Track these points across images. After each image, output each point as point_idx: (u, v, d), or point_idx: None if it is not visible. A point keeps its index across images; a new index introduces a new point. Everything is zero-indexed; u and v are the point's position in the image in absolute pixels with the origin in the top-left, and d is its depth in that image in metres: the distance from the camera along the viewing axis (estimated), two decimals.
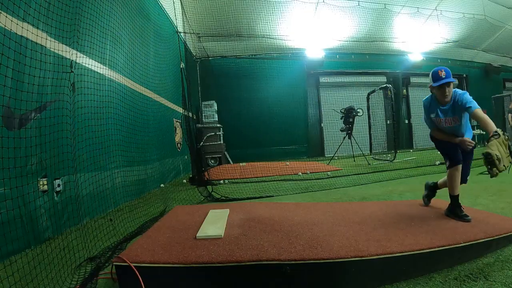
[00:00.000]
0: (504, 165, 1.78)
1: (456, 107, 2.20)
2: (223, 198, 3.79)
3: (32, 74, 2.07)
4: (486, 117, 2.05)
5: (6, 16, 1.92)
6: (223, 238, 1.76)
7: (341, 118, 7.90)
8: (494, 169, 1.76)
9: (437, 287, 1.41)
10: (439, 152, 2.69)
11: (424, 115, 2.49)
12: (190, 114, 6.17)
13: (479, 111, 2.10)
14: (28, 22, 2.12)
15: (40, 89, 2.25)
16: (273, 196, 3.87)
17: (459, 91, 2.22)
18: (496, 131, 1.88)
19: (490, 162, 1.77)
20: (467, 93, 2.20)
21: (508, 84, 13.96)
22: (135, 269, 1.39)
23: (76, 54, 2.75)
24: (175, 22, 6.66)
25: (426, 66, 11.72)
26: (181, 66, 5.69)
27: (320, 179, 5.12)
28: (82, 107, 2.71)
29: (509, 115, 11.10)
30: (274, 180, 5.06)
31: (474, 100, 2.17)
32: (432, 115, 2.39)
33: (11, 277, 1.47)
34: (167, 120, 5.88)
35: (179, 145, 6.62)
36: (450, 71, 2.22)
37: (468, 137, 2.31)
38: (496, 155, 1.76)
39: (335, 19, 9.13)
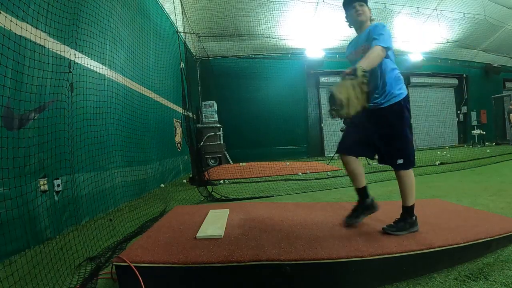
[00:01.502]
0: (348, 111, 1.56)
1: (368, 36, 1.87)
2: (223, 198, 3.79)
3: (32, 74, 2.07)
4: (373, 55, 1.71)
5: (5, 16, 1.92)
6: (223, 238, 1.75)
7: (341, 118, 7.89)
8: (334, 112, 1.57)
9: (437, 287, 1.41)
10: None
11: None
12: (190, 114, 6.16)
13: (377, 48, 1.72)
14: (27, 22, 2.12)
15: (39, 89, 2.25)
16: (273, 196, 3.87)
17: (382, 24, 1.87)
18: (355, 70, 1.59)
19: (332, 103, 1.54)
20: (386, 27, 1.82)
21: (508, 84, 13.97)
22: (135, 269, 1.39)
23: (75, 54, 2.75)
24: (175, 22, 6.65)
25: (426, 66, 11.72)
26: (181, 66, 5.69)
27: (320, 179, 5.12)
28: (82, 107, 2.71)
29: (510, 115, 11.11)
30: (274, 180, 5.06)
31: (388, 36, 1.78)
32: (348, 52, 2.09)
33: (10, 277, 1.47)
34: (167, 120, 5.88)
35: (179, 145, 6.62)
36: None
37: (391, 90, 1.83)
38: (341, 100, 1.51)
39: (335, 19, 9.12)
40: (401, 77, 1.93)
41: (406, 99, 1.87)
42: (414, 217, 1.87)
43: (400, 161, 1.83)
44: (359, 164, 2.01)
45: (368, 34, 1.86)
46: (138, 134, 4.09)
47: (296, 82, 10.50)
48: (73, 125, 2.59)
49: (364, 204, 2.03)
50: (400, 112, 1.83)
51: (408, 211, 1.86)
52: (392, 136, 1.85)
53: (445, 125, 12.91)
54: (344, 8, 2.02)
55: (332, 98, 1.53)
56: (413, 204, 1.88)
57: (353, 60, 2.00)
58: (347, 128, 2.05)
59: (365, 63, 1.67)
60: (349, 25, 2.04)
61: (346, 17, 2.02)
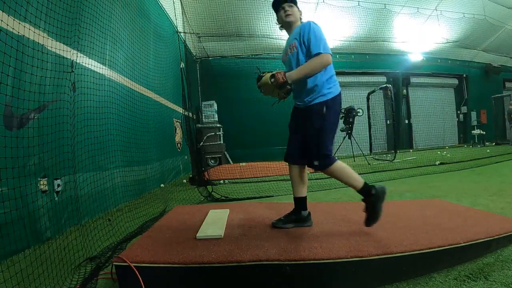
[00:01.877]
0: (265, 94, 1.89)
1: (297, 35, 1.85)
2: (223, 198, 3.79)
3: (34, 74, 2.07)
4: (310, 65, 1.74)
5: (8, 16, 1.92)
6: (223, 238, 1.76)
7: (341, 118, 7.92)
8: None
9: (437, 287, 1.41)
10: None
11: None
12: (190, 114, 6.17)
13: (318, 58, 1.72)
14: (29, 22, 2.12)
15: (40, 88, 2.25)
16: (273, 196, 3.87)
17: (309, 23, 1.83)
18: (283, 84, 1.74)
19: (257, 82, 1.87)
20: (317, 28, 1.79)
21: (508, 84, 13.98)
22: (135, 269, 1.39)
23: (77, 54, 2.75)
24: (175, 22, 6.66)
25: (426, 66, 11.73)
26: (181, 66, 5.70)
27: (320, 179, 5.12)
28: (82, 107, 2.71)
29: (510, 115, 11.12)
30: (274, 180, 5.06)
31: (322, 39, 1.76)
32: (283, 54, 2.03)
33: (14, 277, 1.47)
34: (167, 120, 5.88)
35: (179, 145, 6.62)
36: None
37: (319, 89, 1.79)
38: (260, 89, 1.86)
39: (335, 19, 9.13)
40: (335, 78, 1.89)
41: (335, 99, 1.84)
42: (373, 190, 1.78)
43: (316, 163, 1.80)
44: (301, 173, 1.99)
45: (297, 33, 1.85)
46: (138, 134, 4.09)
47: None
48: (74, 125, 2.59)
49: (298, 216, 1.99)
50: (323, 111, 1.80)
51: (364, 191, 1.80)
52: (311, 135, 1.83)
53: (445, 125, 12.92)
54: (274, 9, 2.01)
55: (257, 81, 1.86)
56: (364, 183, 1.81)
57: (285, 60, 2.00)
58: (290, 133, 2.04)
59: (296, 74, 1.76)
60: (280, 27, 2.03)
61: (277, 19, 2.01)
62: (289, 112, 2.06)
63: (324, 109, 1.80)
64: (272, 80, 1.76)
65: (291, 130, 2.02)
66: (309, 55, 1.79)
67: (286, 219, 1.99)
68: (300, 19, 1.99)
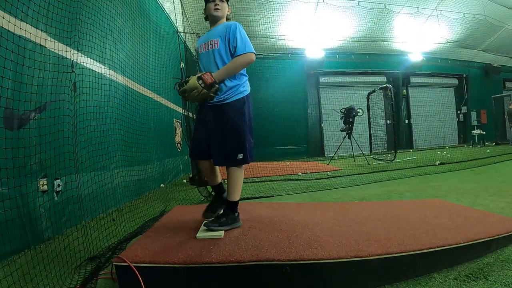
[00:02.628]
0: (187, 99, 1.92)
1: (221, 32, 1.89)
2: None
3: (32, 75, 2.07)
4: (234, 65, 1.83)
5: (3, 17, 1.91)
6: (223, 238, 1.76)
7: (341, 118, 7.91)
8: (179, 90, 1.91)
9: (437, 287, 1.41)
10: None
11: None
12: (190, 114, 6.16)
13: (241, 58, 1.82)
14: (27, 23, 2.12)
15: (40, 89, 2.25)
16: (273, 196, 3.87)
17: (235, 24, 1.89)
18: (211, 86, 1.81)
19: (180, 87, 1.90)
20: (243, 30, 1.87)
21: (508, 84, 13.99)
22: (135, 269, 1.39)
23: (77, 54, 2.75)
24: (175, 22, 6.66)
25: (426, 66, 11.73)
26: (181, 66, 5.69)
27: (320, 179, 5.12)
28: (83, 107, 2.71)
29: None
30: (274, 180, 5.06)
31: (247, 40, 1.85)
32: (198, 45, 2.03)
33: (9, 277, 1.47)
34: (167, 120, 5.88)
35: (179, 145, 6.62)
36: None
37: (235, 87, 1.89)
38: (184, 93, 1.87)
39: (335, 19, 9.13)
40: (246, 76, 1.99)
41: (249, 97, 1.96)
42: (237, 214, 1.95)
43: (240, 156, 1.87)
44: (211, 165, 2.07)
45: (222, 32, 1.89)
46: (138, 134, 4.08)
47: (296, 82, 10.51)
48: (76, 125, 2.59)
49: (222, 199, 2.12)
50: (241, 108, 1.90)
51: (231, 207, 1.93)
52: (232, 130, 1.88)
53: (445, 125, 12.92)
54: (204, 0, 2.03)
55: (180, 86, 1.89)
56: (238, 201, 1.96)
57: (202, 52, 2.01)
58: (195, 129, 2.08)
59: (224, 74, 1.83)
60: (205, 18, 2.05)
61: (204, 9, 2.03)
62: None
63: (242, 105, 1.90)
64: (200, 82, 1.81)
65: (200, 128, 2.02)
66: (231, 54, 1.87)
67: (220, 214, 1.96)
68: (227, 16, 2.03)
